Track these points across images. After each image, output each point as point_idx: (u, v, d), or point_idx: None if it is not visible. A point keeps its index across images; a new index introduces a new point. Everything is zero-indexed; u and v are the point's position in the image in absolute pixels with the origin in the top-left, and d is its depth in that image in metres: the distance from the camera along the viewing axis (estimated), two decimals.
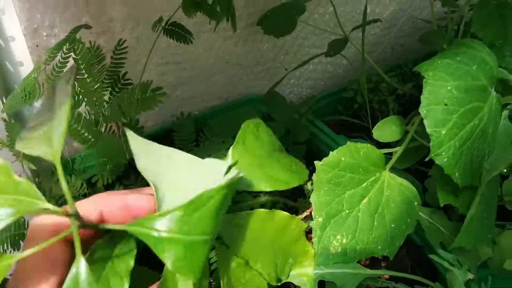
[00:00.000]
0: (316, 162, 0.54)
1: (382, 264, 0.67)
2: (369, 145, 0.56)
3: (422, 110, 0.49)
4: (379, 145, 0.76)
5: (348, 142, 0.55)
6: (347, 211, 0.55)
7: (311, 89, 1.03)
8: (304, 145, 0.81)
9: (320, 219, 0.53)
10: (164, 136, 0.83)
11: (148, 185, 0.31)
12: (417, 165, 0.78)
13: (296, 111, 0.80)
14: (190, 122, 0.79)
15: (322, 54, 0.81)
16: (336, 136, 0.84)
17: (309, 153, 0.84)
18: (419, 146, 0.68)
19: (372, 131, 0.67)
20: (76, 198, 0.66)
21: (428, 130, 0.48)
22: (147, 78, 0.79)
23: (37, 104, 0.61)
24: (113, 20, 0.68)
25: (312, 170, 0.83)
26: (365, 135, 0.91)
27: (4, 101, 0.64)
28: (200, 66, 0.84)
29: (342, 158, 0.54)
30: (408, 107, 0.96)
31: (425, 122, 0.49)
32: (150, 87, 0.55)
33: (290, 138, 0.80)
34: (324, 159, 0.54)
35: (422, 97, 0.50)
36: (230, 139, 0.70)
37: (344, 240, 0.53)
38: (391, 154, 0.71)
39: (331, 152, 0.54)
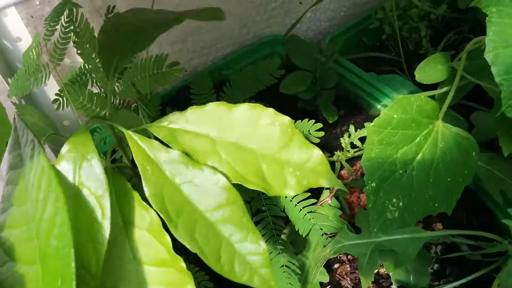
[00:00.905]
0: (366, 124, 0.48)
1: (433, 215, 0.63)
2: (422, 96, 0.50)
3: (488, 55, 0.42)
4: (416, 83, 0.69)
5: (401, 97, 0.49)
6: (401, 171, 0.50)
7: (330, 21, 0.94)
8: (333, 90, 0.75)
9: (373, 184, 0.49)
10: (177, 97, 0.77)
11: None
12: (461, 100, 0.71)
13: (322, 55, 0.72)
14: (205, 78, 0.72)
15: None
16: (365, 75, 0.77)
17: (336, 97, 0.78)
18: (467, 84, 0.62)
19: (414, 73, 0.61)
20: None
21: (497, 79, 0.42)
22: None
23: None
24: None
25: (342, 115, 0.78)
26: (397, 68, 0.84)
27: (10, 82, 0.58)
28: None
29: (395, 115, 0.49)
30: (439, 30, 0.87)
31: (493, 69, 0.42)
32: (165, 62, 0.48)
33: (318, 85, 0.73)
34: (376, 119, 0.48)
35: (487, 40, 0.42)
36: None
37: (401, 203, 0.49)
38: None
39: (382, 111, 0.48)
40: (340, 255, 0.61)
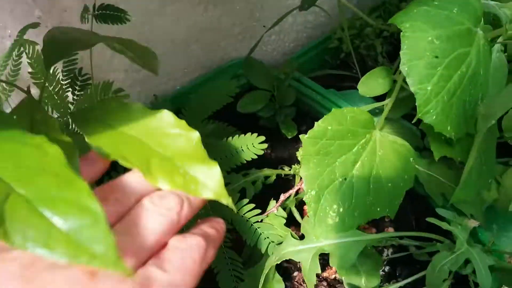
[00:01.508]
0: (301, 136, 0.51)
1: (386, 220, 0.66)
2: (355, 108, 0.53)
3: (404, 68, 0.45)
4: (375, 97, 0.72)
5: (334, 109, 0.52)
6: (340, 179, 0.53)
7: (294, 42, 0.98)
8: (292, 107, 0.78)
9: (313, 192, 0.51)
10: None
11: None
12: (412, 111, 0.75)
13: (278, 74, 0.76)
14: (167, 103, 0.76)
15: (296, 8, 0.76)
16: (325, 92, 0.80)
17: (299, 113, 0.81)
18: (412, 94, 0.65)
19: (357, 87, 0.64)
20: None
21: (412, 88, 0.45)
22: (117, 66, 0.75)
23: None
24: (67, 10, 0.63)
25: (303, 131, 0.81)
26: (356, 84, 0.87)
27: None
28: (173, 40, 0.80)
29: (329, 127, 0.52)
30: (397, 45, 0.91)
31: (408, 80, 0.45)
32: (111, 88, 0.52)
33: (277, 103, 0.77)
34: (310, 131, 0.51)
35: (401, 53, 0.46)
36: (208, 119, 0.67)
37: (341, 209, 0.52)
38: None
39: (316, 123, 0.52)
40: (300, 263, 0.63)
